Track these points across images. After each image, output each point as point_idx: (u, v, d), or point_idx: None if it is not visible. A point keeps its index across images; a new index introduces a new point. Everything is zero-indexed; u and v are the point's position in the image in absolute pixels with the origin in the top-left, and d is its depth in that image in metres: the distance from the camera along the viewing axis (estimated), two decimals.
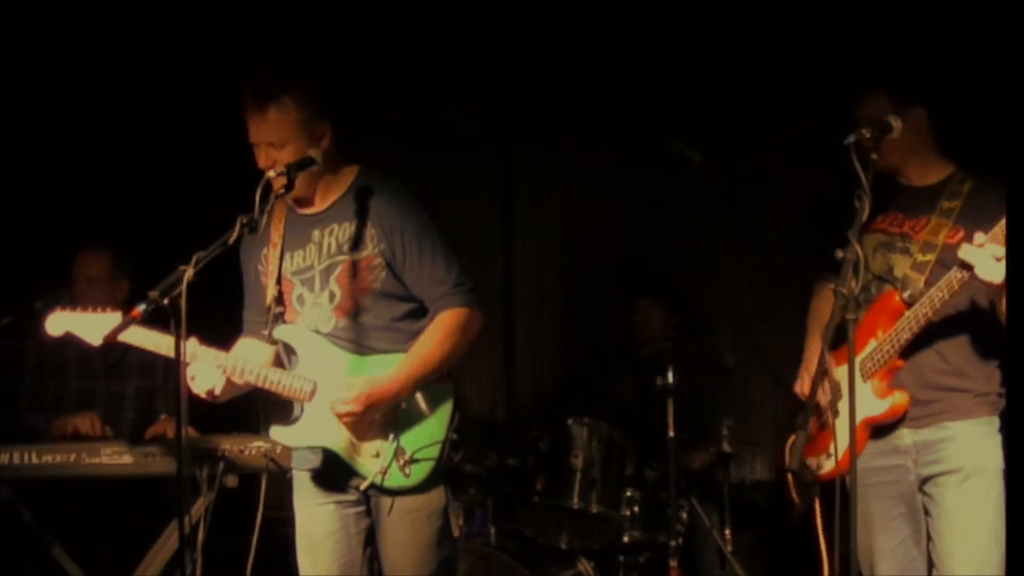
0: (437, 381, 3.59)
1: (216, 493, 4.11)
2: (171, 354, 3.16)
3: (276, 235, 3.64)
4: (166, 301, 2.95)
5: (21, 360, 5.00)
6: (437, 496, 3.60)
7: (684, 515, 4.97)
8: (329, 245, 3.59)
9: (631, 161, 6.27)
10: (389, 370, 3.52)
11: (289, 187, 3.34)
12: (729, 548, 5.03)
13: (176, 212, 5.78)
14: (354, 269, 3.56)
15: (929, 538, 3.61)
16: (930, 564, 3.61)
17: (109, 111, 5.64)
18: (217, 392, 3.50)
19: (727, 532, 5.05)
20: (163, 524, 4.37)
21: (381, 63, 5.84)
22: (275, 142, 3.46)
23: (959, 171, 3.68)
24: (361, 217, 3.56)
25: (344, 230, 3.58)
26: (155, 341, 3.51)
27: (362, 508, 3.62)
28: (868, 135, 3.24)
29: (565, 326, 6.47)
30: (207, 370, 3.48)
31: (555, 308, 6.49)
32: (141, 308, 2.98)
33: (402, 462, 3.51)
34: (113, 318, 3.58)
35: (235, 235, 3.15)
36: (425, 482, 3.54)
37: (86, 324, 3.62)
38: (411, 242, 3.55)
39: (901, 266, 3.62)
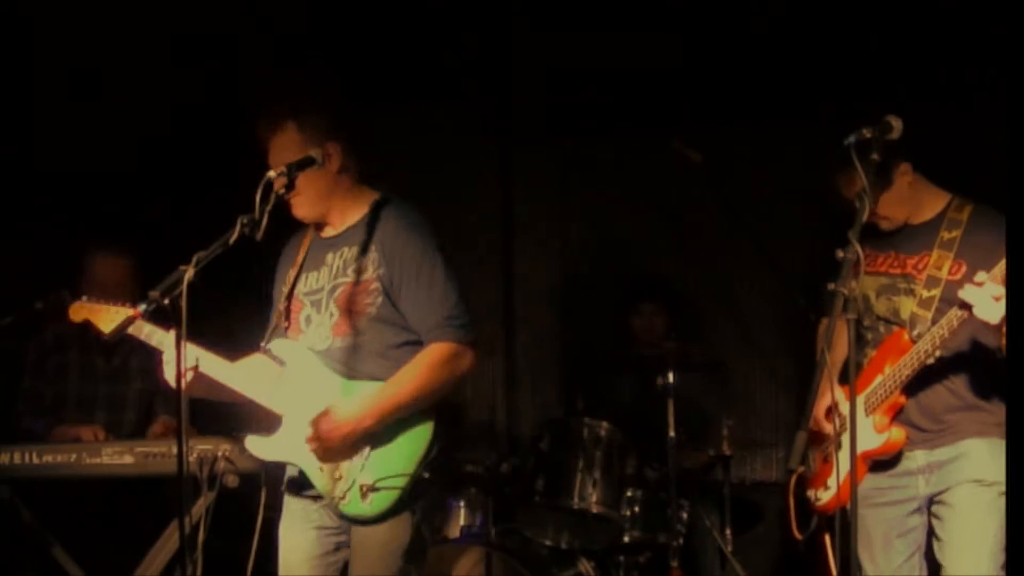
0: (418, 414, 3.50)
1: (216, 493, 4.10)
2: (171, 351, 3.17)
3: (300, 256, 3.68)
4: (167, 301, 2.96)
5: (20, 362, 4.98)
6: (396, 530, 3.48)
7: (684, 515, 4.97)
8: (338, 267, 3.60)
9: (631, 161, 6.26)
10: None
11: (289, 187, 3.33)
12: (729, 548, 5.03)
13: (176, 212, 5.78)
14: (353, 292, 3.55)
15: (938, 538, 3.63)
16: (934, 564, 3.63)
17: (109, 111, 5.64)
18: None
19: (727, 532, 5.06)
20: (163, 524, 4.36)
21: (382, 62, 5.84)
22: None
23: (956, 197, 3.66)
24: (367, 241, 3.56)
25: (352, 253, 3.58)
26: (158, 338, 3.52)
27: (344, 538, 3.59)
28: (869, 134, 3.22)
29: (565, 326, 6.46)
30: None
31: (555, 308, 6.49)
32: (142, 308, 2.99)
33: (364, 489, 3.43)
34: (126, 312, 3.59)
35: (235, 235, 3.14)
36: (384, 513, 3.45)
37: (102, 315, 3.79)
38: (408, 267, 3.51)
39: (907, 307, 3.63)
